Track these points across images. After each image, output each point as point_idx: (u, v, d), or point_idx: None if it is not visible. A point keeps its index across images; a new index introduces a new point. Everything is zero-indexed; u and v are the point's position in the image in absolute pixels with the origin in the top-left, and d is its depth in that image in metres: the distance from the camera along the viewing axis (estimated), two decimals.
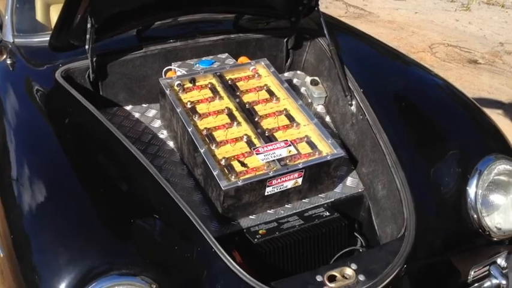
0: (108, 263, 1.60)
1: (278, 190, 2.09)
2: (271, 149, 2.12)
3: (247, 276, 1.70)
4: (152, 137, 2.40)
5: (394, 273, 1.81)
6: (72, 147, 2.04)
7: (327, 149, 2.18)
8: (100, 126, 2.11)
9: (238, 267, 1.71)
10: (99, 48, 2.41)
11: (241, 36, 2.80)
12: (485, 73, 5.78)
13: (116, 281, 1.56)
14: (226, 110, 2.29)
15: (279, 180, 2.06)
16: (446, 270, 2.04)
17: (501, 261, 2.14)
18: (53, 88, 2.34)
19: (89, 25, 2.26)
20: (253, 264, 1.94)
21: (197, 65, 2.60)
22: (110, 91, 2.54)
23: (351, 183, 2.32)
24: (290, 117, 2.30)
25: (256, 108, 2.33)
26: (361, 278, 1.78)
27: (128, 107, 2.57)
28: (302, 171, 2.09)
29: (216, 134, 2.18)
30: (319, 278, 1.76)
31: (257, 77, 2.49)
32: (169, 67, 2.58)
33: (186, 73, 2.49)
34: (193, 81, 2.40)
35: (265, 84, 2.45)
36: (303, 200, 2.21)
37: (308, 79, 2.78)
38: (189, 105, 2.28)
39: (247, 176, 2.02)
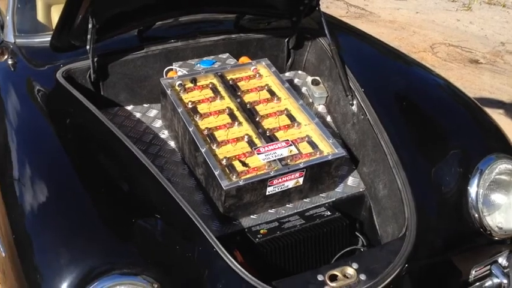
0: (110, 263, 1.60)
1: (279, 190, 2.09)
2: (272, 149, 2.12)
3: (249, 275, 1.70)
4: (153, 137, 2.40)
5: (395, 272, 1.81)
6: (74, 147, 2.04)
7: (328, 148, 2.18)
8: (101, 126, 2.11)
9: (239, 266, 1.72)
10: (100, 49, 2.42)
11: (242, 36, 2.80)
12: (487, 73, 5.78)
13: (117, 280, 1.56)
14: (227, 110, 2.29)
15: (280, 180, 2.06)
16: (448, 270, 2.04)
17: (502, 260, 2.14)
18: (54, 88, 2.34)
19: (90, 25, 2.26)
20: (255, 263, 1.95)
21: (198, 65, 2.60)
22: (111, 91, 2.54)
23: (352, 182, 2.32)
24: (291, 117, 2.30)
25: (257, 108, 2.33)
26: (362, 277, 1.78)
27: (129, 107, 2.57)
28: (303, 171, 2.09)
29: (217, 133, 2.18)
30: (320, 278, 1.76)
31: (258, 77, 2.49)
32: (171, 67, 2.58)
33: (187, 73, 2.49)
34: (194, 81, 2.41)
35: (266, 84, 2.45)
36: (304, 200, 2.21)
37: (309, 79, 2.78)
38: (190, 105, 2.28)
39: (248, 176, 2.02)
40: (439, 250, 1.99)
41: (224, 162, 2.06)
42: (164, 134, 2.43)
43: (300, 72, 2.92)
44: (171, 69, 2.58)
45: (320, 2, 2.74)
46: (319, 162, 2.11)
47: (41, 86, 2.36)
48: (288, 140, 2.17)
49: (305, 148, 2.17)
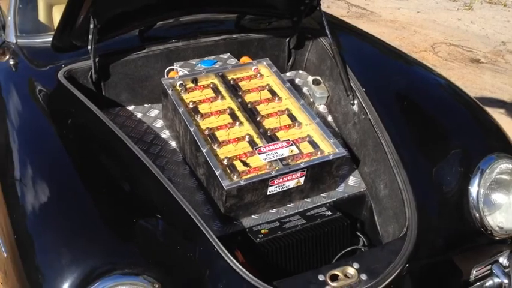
0: (111, 263, 1.60)
1: (280, 190, 2.09)
2: (273, 149, 2.12)
3: (250, 275, 1.70)
4: (154, 137, 2.41)
5: (396, 272, 1.81)
6: (75, 148, 2.04)
7: (328, 148, 2.18)
8: (102, 126, 2.11)
9: (240, 266, 1.72)
10: (101, 49, 2.42)
11: (243, 36, 2.80)
12: (488, 72, 5.77)
13: (118, 280, 1.57)
14: (228, 110, 2.29)
15: (281, 180, 2.06)
16: (448, 270, 2.04)
17: (503, 260, 2.14)
18: (56, 88, 2.35)
19: (91, 25, 2.26)
20: (256, 263, 1.95)
21: (199, 65, 2.61)
22: (112, 91, 2.54)
23: (353, 182, 2.32)
24: (292, 117, 2.30)
25: (258, 108, 2.33)
26: (363, 277, 1.78)
27: (130, 107, 2.57)
28: (304, 171, 2.09)
29: (218, 133, 2.18)
30: (321, 277, 1.77)
31: (259, 76, 2.49)
32: (172, 67, 2.59)
33: (188, 73, 2.49)
34: (195, 81, 2.41)
35: (267, 84, 2.45)
36: (305, 200, 2.21)
37: (310, 79, 2.78)
38: (191, 105, 2.29)
39: (249, 176, 2.02)
40: (440, 250, 1.99)
41: (225, 162, 2.06)
42: (165, 134, 2.43)
43: (300, 72, 2.92)
44: (172, 69, 2.58)
45: (321, 2, 2.74)
46: (320, 162, 2.12)
47: (43, 86, 2.36)
48: (289, 139, 2.18)
49: (306, 148, 2.17)
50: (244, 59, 2.66)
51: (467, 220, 2.06)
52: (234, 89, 2.40)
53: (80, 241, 1.65)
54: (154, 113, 2.55)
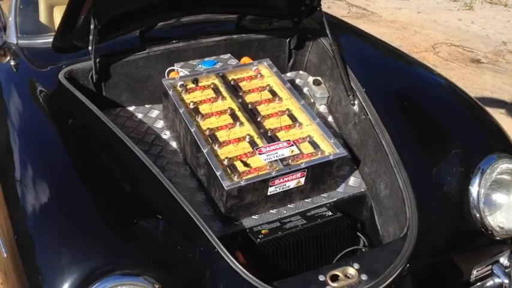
0: (111, 263, 1.60)
1: (281, 190, 2.09)
2: (273, 149, 2.12)
3: (250, 276, 1.70)
4: (155, 138, 2.41)
5: (397, 272, 1.81)
6: (76, 148, 2.05)
7: (329, 148, 2.18)
8: (103, 127, 2.11)
9: (241, 267, 1.72)
10: (102, 49, 2.42)
11: (243, 36, 2.80)
12: (488, 72, 5.77)
13: (119, 281, 1.57)
14: (229, 110, 2.29)
15: (281, 180, 2.06)
16: (449, 270, 2.04)
17: (504, 260, 2.14)
18: (57, 89, 2.35)
19: (92, 26, 2.26)
20: (256, 264, 1.95)
21: (200, 65, 2.61)
22: (113, 92, 2.55)
23: (354, 182, 2.32)
24: (292, 117, 2.30)
25: (259, 108, 2.33)
26: (364, 277, 1.78)
27: (131, 108, 2.57)
28: (304, 171, 2.09)
29: (218, 134, 2.18)
30: (321, 278, 1.77)
31: (259, 77, 2.49)
32: (172, 68, 2.59)
33: (188, 74, 2.50)
34: (196, 81, 2.41)
35: (268, 85, 2.45)
36: (306, 200, 2.21)
37: (310, 79, 2.78)
38: (191, 106, 2.29)
39: (249, 176, 2.02)
40: (441, 250, 1.99)
41: (226, 162, 2.06)
42: (166, 135, 2.43)
43: (301, 72, 2.92)
44: (173, 70, 2.58)
45: (321, 2, 2.74)
46: (321, 163, 2.12)
47: (43, 87, 2.36)
48: (289, 140, 2.18)
49: (306, 148, 2.18)
50: (245, 60, 2.67)
51: (468, 220, 2.06)
52: (234, 90, 2.40)
53: (80, 241, 1.65)
54: (154, 113, 2.55)
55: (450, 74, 5.45)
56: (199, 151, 2.12)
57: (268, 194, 2.07)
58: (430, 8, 7.93)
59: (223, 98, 2.36)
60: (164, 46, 2.62)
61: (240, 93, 2.39)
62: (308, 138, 2.22)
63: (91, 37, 2.30)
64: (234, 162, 2.07)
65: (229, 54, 2.72)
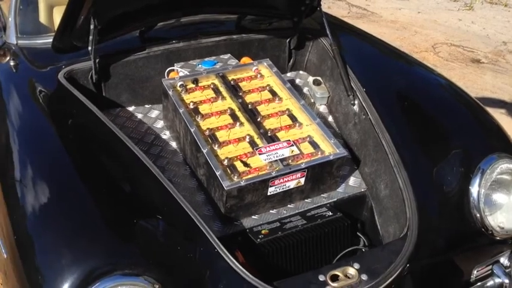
0: (111, 264, 1.60)
1: (281, 190, 2.09)
2: (273, 149, 2.12)
3: (250, 276, 1.70)
4: (155, 138, 2.41)
5: (397, 272, 1.81)
6: (75, 148, 2.05)
7: (329, 148, 2.18)
8: (103, 127, 2.11)
9: (241, 267, 1.72)
10: (102, 50, 2.42)
11: (243, 36, 2.80)
12: (488, 72, 5.77)
13: (119, 281, 1.57)
14: (228, 111, 2.29)
15: (281, 180, 2.06)
16: (449, 270, 2.04)
17: (504, 260, 2.14)
18: (56, 89, 2.35)
19: (91, 26, 2.26)
20: (256, 264, 1.95)
21: (200, 65, 2.61)
22: (112, 92, 2.55)
23: (354, 183, 2.32)
24: (293, 117, 2.30)
25: (259, 108, 2.33)
26: (364, 277, 1.78)
27: (131, 108, 2.57)
28: (305, 171, 2.09)
29: (218, 134, 2.18)
30: (321, 278, 1.76)
31: (260, 77, 2.49)
32: (172, 68, 2.59)
33: (188, 74, 2.50)
34: (195, 81, 2.41)
35: (268, 85, 2.45)
36: (306, 200, 2.21)
37: (310, 79, 2.78)
38: (191, 106, 2.29)
39: (249, 176, 2.02)
40: (441, 250, 1.99)
41: (226, 162, 2.06)
42: (166, 135, 2.43)
43: (301, 72, 2.92)
44: (173, 70, 2.58)
45: (321, 2, 2.74)
46: (321, 163, 2.12)
47: (43, 87, 2.36)
48: (289, 140, 2.18)
49: (306, 148, 2.17)
50: (245, 60, 2.67)
51: (468, 220, 2.06)
52: (234, 90, 2.40)
53: (80, 242, 1.65)
54: (154, 113, 2.55)
55: (450, 74, 5.45)
56: (199, 151, 2.11)
57: (268, 194, 2.07)
58: (430, 8, 7.93)
59: (223, 98, 2.35)
60: (164, 46, 2.62)
61: (240, 93, 2.39)
62: (308, 138, 2.22)
63: (91, 37, 2.30)
64: (234, 162, 2.07)
65: (229, 54, 2.72)
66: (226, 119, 2.26)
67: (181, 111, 2.23)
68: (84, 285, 1.55)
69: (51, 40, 2.33)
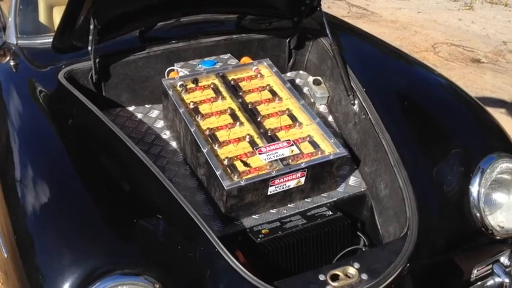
0: (112, 263, 1.60)
1: (281, 190, 2.09)
2: (273, 149, 2.12)
3: (250, 275, 1.70)
4: (155, 138, 2.41)
5: (397, 272, 1.81)
6: (75, 148, 2.05)
7: (329, 148, 2.18)
8: (103, 127, 2.11)
9: (241, 266, 1.72)
10: (101, 50, 2.42)
11: (243, 36, 2.80)
12: (489, 72, 5.77)
13: (119, 280, 1.57)
14: (228, 110, 2.29)
15: (281, 180, 2.06)
16: (449, 269, 2.04)
17: (504, 259, 2.14)
18: (56, 89, 2.35)
19: (91, 26, 2.26)
20: (256, 263, 1.95)
21: (200, 65, 2.61)
22: (112, 92, 2.55)
23: (354, 182, 2.32)
24: (292, 117, 2.30)
25: (259, 108, 2.33)
26: (364, 277, 1.78)
27: (131, 108, 2.57)
28: (305, 171, 2.09)
29: (218, 134, 2.18)
30: (322, 277, 1.76)
31: (259, 77, 2.49)
32: (172, 68, 2.59)
33: (188, 74, 2.50)
34: (195, 81, 2.41)
35: (268, 84, 2.45)
36: (306, 200, 2.21)
37: (310, 79, 2.78)
38: (191, 106, 2.29)
39: (250, 176, 2.02)
40: (441, 249, 1.99)
41: (226, 162, 2.06)
42: (166, 135, 2.43)
43: (301, 72, 2.92)
44: (173, 70, 2.58)
45: (321, 2, 2.74)
46: (321, 162, 2.12)
47: (43, 87, 2.36)
48: (289, 140, 2.18)
49: (306, 148, 2.17)
50: (245, 60, 2.67)
51: (468, 220, 2.06)
52: (234, 90, 2.40)
53: (80, 241, 1.65)
54: (154, 113, 2.55)
55: (450, 73, 5.45)
56: (199, 151, 2.12)
57: (269, 193, 2.07)
58: (430, 8, 7.93)
59: (223, 98, 2.36)
60: (164, 46, 2.62)
61: (240, 93, 2.39)
62: (308, 138, 2.22)
63: (91, 37, 2.30)
64: (234, 162, 2.07)
65: (229, 54, 2.72)
66: (226, 118, 2.26)
67: (181, 111, 2.23)
68: (84, 284, 1.55)
69: (51, 40, 2.33)
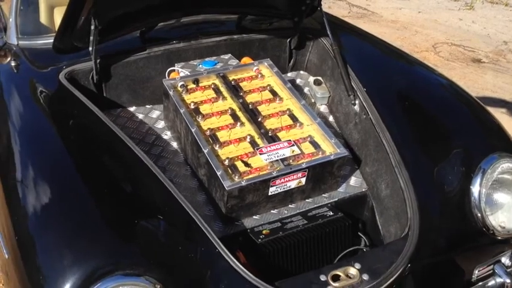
0: (113, 264, 1.60)
1: (281, 190, 2.09)
2: (274, 149, 2.12)
3: (251, 276, 1.70)
4: (156, 138, 2.41)
5: (398, 272, 1.81)
6: (76, 149, 2.05)
7: (330, 148, 2.18)
8: (104, 127, 2.11)
9: (242, 267, 1.72)
10: (102, 50, 2.42)
11: (244, 36, 2.80)
12: (489, 72, 5.77)
13: (120, 281, 1.57)
14: (229, 111, 2.29)
15: (282, 180, 2.06)
16: (450, 270, 2.04)
17: (505, 259, 2.14)
18: (57, 90, 2.35)
19: (92, 27, 2.26)
20: (257, 264, 1.95)
21: (200, 65, 2.61)
22: (113, 92, 2.55)
23: (355, 182, 2.32)
24: (293, 117, 2.30)
25: (260, 108, 2.33)
26: (365, 277, 1.78)
27: (132, 108, 2.57)
28: (305, 171, 2.09)
29: (219, 134, 2.18)
30: (323, 278, 1.76)
31: (260, 77, 2.49)
32: (173, 68, 2.59)
33: (189, 74, 2.50)
34: (196, 82, 2.41)
35: (269, 85, 2.45)
36: (307, 200, 2.21)
37: (311, 79, 2.78)
38: (192, 106, 2.29)
39: (250, 176, 2.02)
40: (442, 250, 1.99)
41: (226, 162, 2.06)
42: (167, 135, 2.43)
43: (302, 72, 2.92)
44: (173, 70, 2.58)
45: (322, 2, 2.74)
46: (322, 162, 2.11)
47: (44, 88, 2.36)
48: (290, 140, 2.18)
49: (307, 148, 2.17)
50: (246, 60, 2.67)
51: (469, 220, 2.06)
52: (235, 90, 2.40)
53: (81, 242, 1.65)
54: (155, 114, 2.55)
55: (451, 73, 5.45)
56: (200, 151, 2.12)
57: (269, 194, 2.07)
58: (430, 8, 7.93)
59: (224, 98, 2.36)
60: (164, 46, 2.62)
61: (241, 94, 2.39)
62: (309, 138, 2.22)
63: (91, 38, 2.31)
64: (235, 163, 2.07)
65: (229, 55, 2.72)
66: (227, 119, 2.26)
67: (182, 111, 2.23)
68: (85, 285, 1.55)
69: (51, 41, 2.33)
